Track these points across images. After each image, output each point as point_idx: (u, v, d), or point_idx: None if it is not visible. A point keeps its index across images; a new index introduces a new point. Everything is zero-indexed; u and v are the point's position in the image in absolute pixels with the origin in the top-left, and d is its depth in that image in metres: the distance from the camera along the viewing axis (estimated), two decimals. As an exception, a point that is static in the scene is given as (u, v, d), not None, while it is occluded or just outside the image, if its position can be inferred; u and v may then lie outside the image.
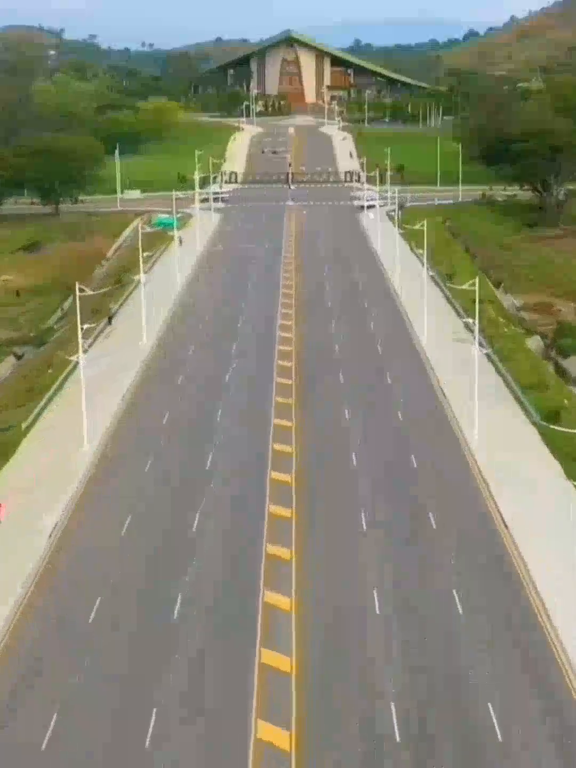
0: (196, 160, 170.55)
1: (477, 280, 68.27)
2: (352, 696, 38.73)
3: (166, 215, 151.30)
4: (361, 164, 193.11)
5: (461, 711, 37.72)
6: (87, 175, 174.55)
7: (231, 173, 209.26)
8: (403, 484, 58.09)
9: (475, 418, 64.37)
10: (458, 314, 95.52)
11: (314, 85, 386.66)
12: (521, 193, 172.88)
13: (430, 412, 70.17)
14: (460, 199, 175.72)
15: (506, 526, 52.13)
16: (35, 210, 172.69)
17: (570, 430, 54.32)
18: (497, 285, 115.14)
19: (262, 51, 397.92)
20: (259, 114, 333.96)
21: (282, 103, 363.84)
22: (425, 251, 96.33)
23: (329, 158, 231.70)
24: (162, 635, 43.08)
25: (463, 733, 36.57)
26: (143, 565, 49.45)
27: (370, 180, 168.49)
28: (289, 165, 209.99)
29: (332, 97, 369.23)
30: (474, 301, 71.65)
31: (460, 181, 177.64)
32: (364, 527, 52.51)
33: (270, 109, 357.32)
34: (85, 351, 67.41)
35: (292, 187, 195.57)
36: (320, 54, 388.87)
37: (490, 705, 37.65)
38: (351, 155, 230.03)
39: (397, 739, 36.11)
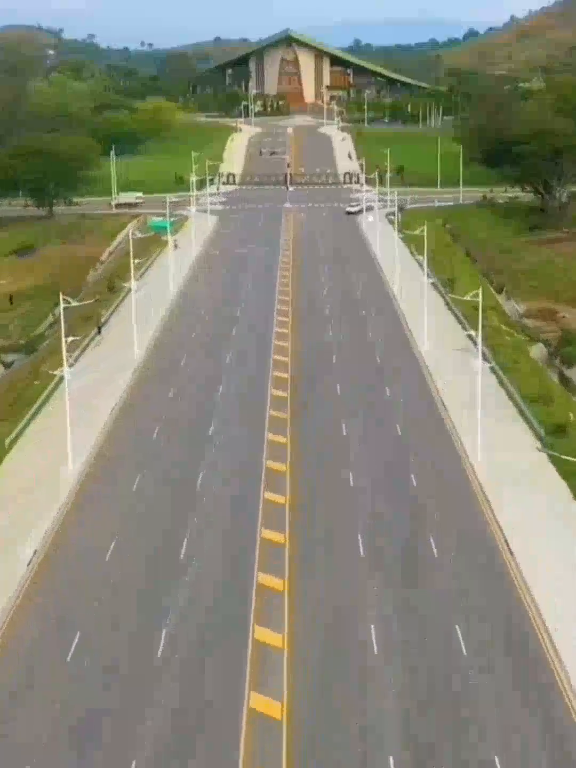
0: (193, 161, 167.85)
1: (480, 291, 65.25)
2: (347, 744, 36.22)
3: (161, 218, 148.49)
4: (361, 165, 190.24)
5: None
6: (81, 176, 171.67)
7: (229, 174, 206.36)
8: (403, 503, 55.49)
9: (477, 443, 61.49)
10: (459, 321, 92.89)
11: (313, 85, 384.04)
12: (523, 195, 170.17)
13: (431, 429, 67.27)
14: (460, 201, 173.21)
15: (511, 554, 49.49)
16: (29, 212, 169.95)
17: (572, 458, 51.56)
18: (499, 290, 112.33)
19: (261, 51, 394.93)
20: (258, 114, 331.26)
21: (281, 103, 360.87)
22: (425, 257, 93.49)
23: (328, 159, 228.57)
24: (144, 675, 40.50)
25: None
26: (129, 595, 46.75)
27: (370, 182, 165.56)
28: (288, 166, 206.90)
29: (332, 97, 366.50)
30: (476, 309, 68.75)
31: (461, 182, 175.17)
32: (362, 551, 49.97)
33: (269, 109, 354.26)
34: (70, 365, 64.55)
35: (290, 188, 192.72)
36: (319, 54, 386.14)
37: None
38: (350, 156, 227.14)
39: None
